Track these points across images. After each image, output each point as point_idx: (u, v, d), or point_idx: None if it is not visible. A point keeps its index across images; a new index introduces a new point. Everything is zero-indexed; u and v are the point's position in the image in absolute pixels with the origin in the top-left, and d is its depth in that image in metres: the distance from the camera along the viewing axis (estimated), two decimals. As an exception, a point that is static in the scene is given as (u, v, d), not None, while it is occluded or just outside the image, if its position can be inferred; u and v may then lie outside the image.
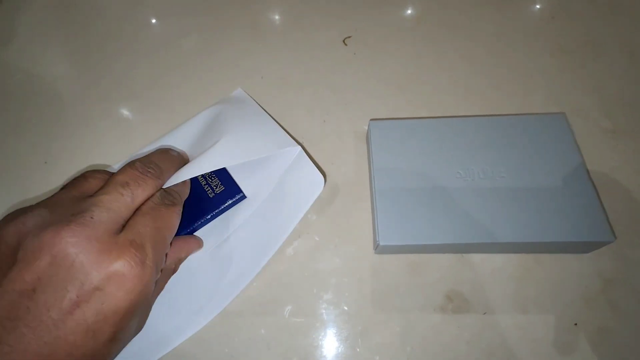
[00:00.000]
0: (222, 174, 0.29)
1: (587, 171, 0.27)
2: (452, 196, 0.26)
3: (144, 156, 0.25)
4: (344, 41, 0.37)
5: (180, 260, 0.26)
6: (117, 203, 0.21)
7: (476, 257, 0.27)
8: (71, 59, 0.38)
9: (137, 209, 0.22)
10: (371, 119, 0.30)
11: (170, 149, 0.28)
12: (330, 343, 0.25)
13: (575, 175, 0.27)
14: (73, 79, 0.37)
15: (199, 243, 0.27)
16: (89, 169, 0.26)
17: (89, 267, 0.18)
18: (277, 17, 0.40)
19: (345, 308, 0.26)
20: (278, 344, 0.25)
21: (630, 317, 0.25)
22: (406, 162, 0.28)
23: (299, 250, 0.28)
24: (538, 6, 0.40)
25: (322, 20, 0.39)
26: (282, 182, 0.28)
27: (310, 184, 0.27)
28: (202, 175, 0.29)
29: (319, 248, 0.28)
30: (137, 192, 0.22)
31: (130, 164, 0.23)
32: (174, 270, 0.26)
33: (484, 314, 0.25)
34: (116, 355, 0.21)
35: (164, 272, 0.24)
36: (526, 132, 0.29)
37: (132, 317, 0.20)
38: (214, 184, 0.28)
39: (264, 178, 0.29)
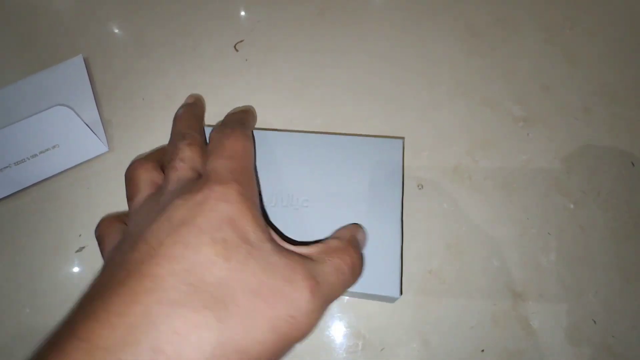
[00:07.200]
0: None
1: (401, 217, 0.23)
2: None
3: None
4: (234, 47, 0.33)
5: None
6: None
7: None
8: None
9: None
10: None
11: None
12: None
13: (386, 216, 0.23)
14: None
15: None
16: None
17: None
18: (159, 25, 0.34)
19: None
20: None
21: None
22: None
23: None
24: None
25: (211, 25, 0.33)
26: None
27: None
28: None
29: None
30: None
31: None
32: None
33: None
34: None
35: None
36: (358, 156, 0.24)
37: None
38: None
39: None
